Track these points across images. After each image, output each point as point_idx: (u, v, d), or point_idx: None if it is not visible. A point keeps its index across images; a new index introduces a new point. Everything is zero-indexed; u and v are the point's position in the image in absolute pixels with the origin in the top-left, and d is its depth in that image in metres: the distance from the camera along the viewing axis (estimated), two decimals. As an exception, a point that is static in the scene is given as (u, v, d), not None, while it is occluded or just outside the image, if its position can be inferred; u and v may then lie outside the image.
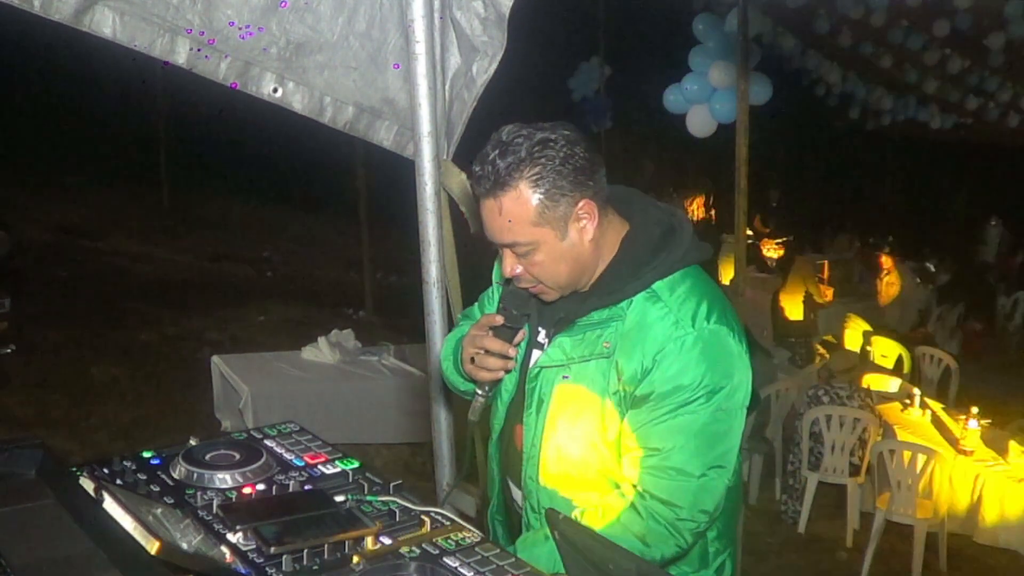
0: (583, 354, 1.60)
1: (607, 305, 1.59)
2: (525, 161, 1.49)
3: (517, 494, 1.78)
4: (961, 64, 8.40)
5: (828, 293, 9.09)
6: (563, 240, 1.55)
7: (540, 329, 1.72)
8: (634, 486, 1.57)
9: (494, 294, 1.86)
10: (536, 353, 1.71)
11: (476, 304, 1.95)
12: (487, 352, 1.65)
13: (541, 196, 1.50)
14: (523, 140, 1.50)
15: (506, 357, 1.65)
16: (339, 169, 9.18)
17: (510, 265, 1.59)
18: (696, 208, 11.63)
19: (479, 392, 1.71)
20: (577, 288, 1.63)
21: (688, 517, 1.54)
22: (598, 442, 1.62)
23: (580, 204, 1.53)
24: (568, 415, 1.63)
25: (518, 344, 1.69)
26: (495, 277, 1.86)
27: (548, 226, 1.53)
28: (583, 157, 1.52)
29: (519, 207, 1.51)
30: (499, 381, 1.72)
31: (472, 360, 1.68)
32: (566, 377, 1.62)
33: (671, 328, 1.54)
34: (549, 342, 1.68)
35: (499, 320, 1.66)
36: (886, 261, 9.26)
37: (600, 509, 1.60)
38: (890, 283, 9.15)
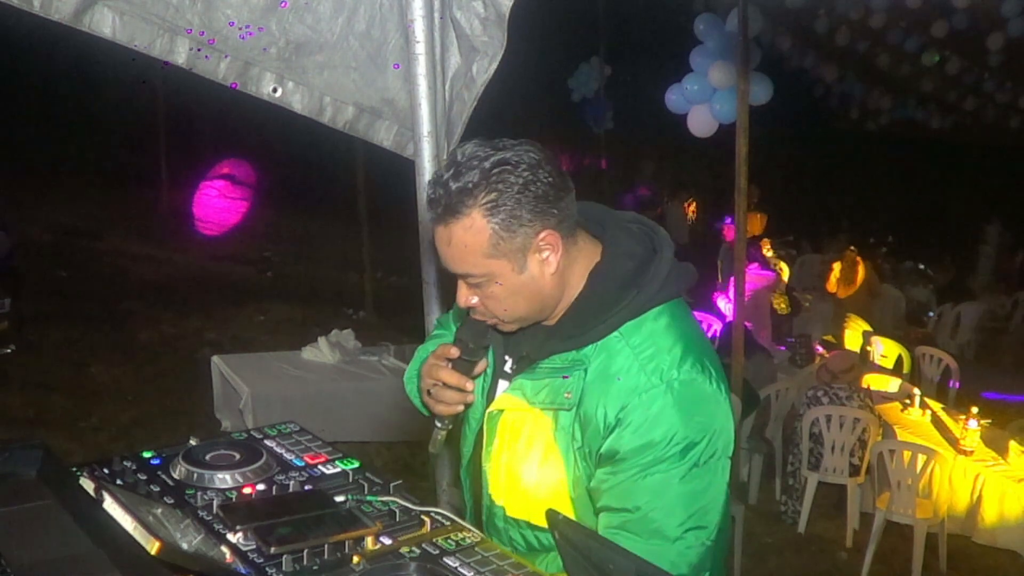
0: (544, 401, 1.47)
1: (568, 350, 1.45)
2: (479, 186, 1.33)
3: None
4: (960, 64, 8.41)
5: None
6: (521, 273, 1.40)
7: (507, 358, 1.59)
8: None
9: None
10: (503, 384, 1.58)
11: (451, 311, 1.80)
12: (444, 385, 1.52)
13: (496, 226, 1.34)
14: (479, 162, 1.34)
15: (463, 391, 1.52)
16: (339, 169, 9.18)
17: (464, 296, 1.45)
18: (694, 210, 11.63)
19: (438, 424, 1.58)
20: (541, 320, 1.50)
21: None
22: (563, 493, 1.49)
23: (541, 235, 1.38)
24: (531, 463, 1.50)
25: (477, 376, 1.55)
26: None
27: (504, 258, 1.37)
28: (546, 183, 1.35)
29: (471, 237, 1.35)
30: (458, 414, 1.59)
31: (429, 392, 1.56)
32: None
33: (638, 380, 1.38)
34: (515, 374, 1.55)
35: (455, 353, 1.51)
36: (764, 244, 7.90)
37: None
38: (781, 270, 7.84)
